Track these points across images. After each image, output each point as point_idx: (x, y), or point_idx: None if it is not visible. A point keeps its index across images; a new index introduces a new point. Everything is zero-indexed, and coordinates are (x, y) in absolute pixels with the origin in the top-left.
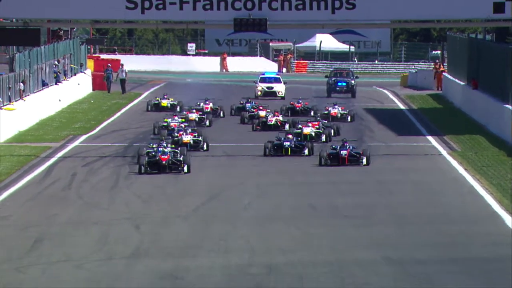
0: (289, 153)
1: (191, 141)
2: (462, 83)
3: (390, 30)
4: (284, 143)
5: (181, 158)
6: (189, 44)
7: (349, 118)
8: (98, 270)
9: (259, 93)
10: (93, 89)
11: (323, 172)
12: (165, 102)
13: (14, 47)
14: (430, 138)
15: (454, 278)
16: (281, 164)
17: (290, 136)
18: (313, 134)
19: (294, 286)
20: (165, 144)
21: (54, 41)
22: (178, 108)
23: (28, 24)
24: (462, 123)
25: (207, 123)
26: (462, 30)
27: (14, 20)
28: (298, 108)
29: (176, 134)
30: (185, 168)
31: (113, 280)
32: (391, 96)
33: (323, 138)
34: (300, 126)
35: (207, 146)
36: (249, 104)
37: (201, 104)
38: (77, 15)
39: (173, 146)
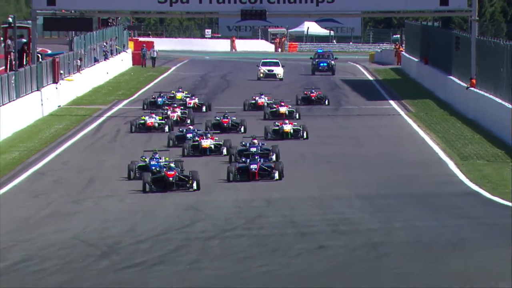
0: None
1: (212, 146)
2: (416, 59)
3: (361, 18)
4: (251, 166)
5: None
6: (206, 30)
7: (326, 102)
8: (136, 203)
9: (261, 75)
10: (133, 64)
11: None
12: (179, 95)
13: (73, 32)
14: (391, 102)
15: (410, 208)
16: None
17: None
18: (292, 131)
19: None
20: (158, 156)
21: (103, 27)
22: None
23: (83, 15)
24: (416, 90)
25: (188, 121)
26: (416, 19)
27: (73, 11)
28: (313, 97)
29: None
30: (194, 185)
31: (148, 211)
32: (362, 69)
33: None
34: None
35: (228, 150)
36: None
37: (186, 99)
38: (120, 7)
39: (167, 158)
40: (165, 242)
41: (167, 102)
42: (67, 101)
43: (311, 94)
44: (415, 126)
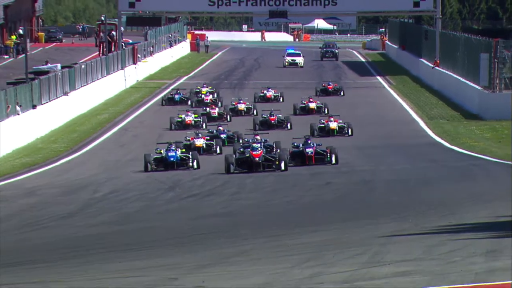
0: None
1: (204, 145)
2: (396, 46)
3: (356, 17)
4: (306, 150)
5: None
6: (243, 25)
7: (342, 93)
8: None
9: (286, 63)
10: (190, 51)
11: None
12: (204, 90)
13: (147, 27)
14: (378, 77)
15: (391, 155)
16: None
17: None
18: (338, 128)
19: None
20: (174, 148)
21: (169, 23)
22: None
23: (154, 14)
24: (395, 69)
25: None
26: (396, 17)
27: (147, 12)
28: (330, 89)
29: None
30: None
31: (201, 159)
32: (356, 54)
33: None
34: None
35: (221, 149)
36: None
37: (202, 96)
38: (181, 9)
39: (183, 150)
40: (213, 180)
41: (183, 98)
42: (143, 77)
43: (328, 86)
44: (395, 95)
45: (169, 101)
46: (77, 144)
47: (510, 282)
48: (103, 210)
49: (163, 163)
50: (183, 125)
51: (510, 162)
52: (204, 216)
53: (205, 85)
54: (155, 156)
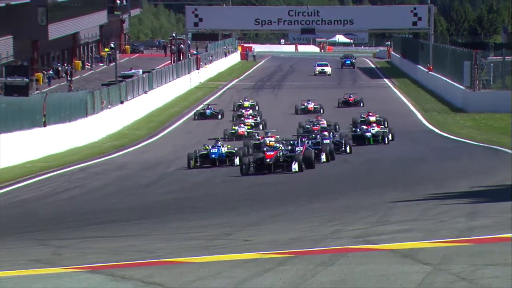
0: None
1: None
2: (398, 56)
3: (368, 33)
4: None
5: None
6: (281, 39)
7: (361, 104)
8: None
9: (317, 72)
10: (240, 59)
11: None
12: (246, 104)
13: (208, 41)
14: (385, 79)
15: (395, 138)
16: None
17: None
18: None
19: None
20: (220, 144)
21: (224, 38)
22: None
23: (213, 31)
24: (398, 73)
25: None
26: (399, 33)
27: (207, 29)
28: (351, 101)
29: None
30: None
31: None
32: (368, 61)
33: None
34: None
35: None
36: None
37: (242, 111)
38: (234, 27)
39: (229, 146)
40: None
41: (214, 112)
42: (204, 79)
43: (349, 98)
44: (398, 93)
45: (200, 115)
46: (154, 131)
47: (487, 236)
48: (174, 182)
49: (208, 160)
50: (235, 136)
51: (487, 145)
52: (253, 185)
53: (246, 99)
54: (201, 153)
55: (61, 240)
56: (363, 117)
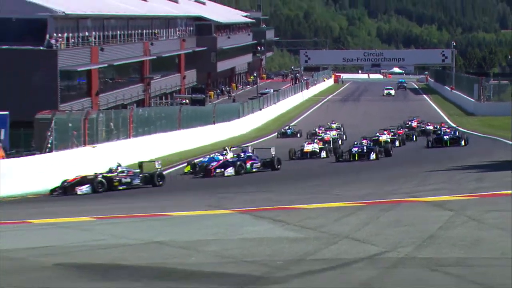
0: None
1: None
2: (432, 80)
3: (414, 66)
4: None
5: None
6: (359, 70)
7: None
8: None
9: (384, 94)
10: (334, 83)
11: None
12: (334, 125)
13: (313, 72)
14: (424, 95)
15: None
16: None
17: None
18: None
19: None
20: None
21: (323, 70)
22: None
23: (316, 65)
24: (432, 91)
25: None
26: (433, 66)
27: (313, 64)
28: (414, 128)
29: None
30: (323, 154)
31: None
32: (414, 84)
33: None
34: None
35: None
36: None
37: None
38: (329, 63)
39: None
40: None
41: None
42: (310, 95)
43: (414, 121)
44: (432, 103)
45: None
46: (280, 126)
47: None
48: (294, 163)
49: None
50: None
51: (489, 136)
52: (346, 166)
53: (333, 121)
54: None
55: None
56: (437, 126)
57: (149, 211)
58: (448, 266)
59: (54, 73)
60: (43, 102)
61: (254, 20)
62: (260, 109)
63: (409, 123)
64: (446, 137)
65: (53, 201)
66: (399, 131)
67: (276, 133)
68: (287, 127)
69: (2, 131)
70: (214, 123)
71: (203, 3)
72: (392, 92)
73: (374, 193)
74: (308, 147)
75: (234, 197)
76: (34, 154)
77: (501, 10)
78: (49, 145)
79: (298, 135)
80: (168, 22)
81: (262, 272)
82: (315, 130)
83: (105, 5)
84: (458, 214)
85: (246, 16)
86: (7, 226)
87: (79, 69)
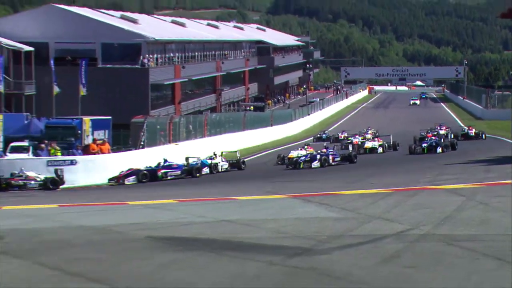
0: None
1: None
2: (448, 91)
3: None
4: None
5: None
6: (388, 83)
7: (451, 136)
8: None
9: (411, 103)
10: (368, 93)
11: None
12: (370, 131)
13: (351, 84)
14: (441, 103)
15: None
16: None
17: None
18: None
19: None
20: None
21: (360, 82)
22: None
23: (354, 79)
24: (448, 100)
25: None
26: (449, 80)
27: (351, 78)
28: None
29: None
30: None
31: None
32: (433, 95)
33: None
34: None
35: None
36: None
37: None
38: (364, 77)
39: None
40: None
41: (328, 136)
42: (349, 103)
43: (441, 128)
44: (448, 110)
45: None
46: (325, 127)
47: (495, 182)
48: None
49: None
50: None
51: (493, 136)
52: (404, 157)
53: (369, 128)
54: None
55: (280, 182)
56: (464, 129)
57: (219, 196)
58: (461, 241)
59: (146, 86)
60: (137, 109)
61: (304, 43)
62: (309, 114)
63: (438, 128)
64: (424, 145)
65: (141, 187)
66: (428, 135)
67: (312, 137)
68: (322, 133)
69: (107, 131)
70: (271, 126)
71: (263, 30)
72: (418, 102)
73: (401, 182)
74: (293, 153)
75: (288, 185)
76: (130, 150)
77: (503, 35)
78: (142, 143)
79: (331, 140)
80: (235, 45)
81: (310, 245)
82: (338, 134)
83: (186, 32)
84: (469, 199)
85: (297, 40)
86: (109, 207)
87: (165, 83)
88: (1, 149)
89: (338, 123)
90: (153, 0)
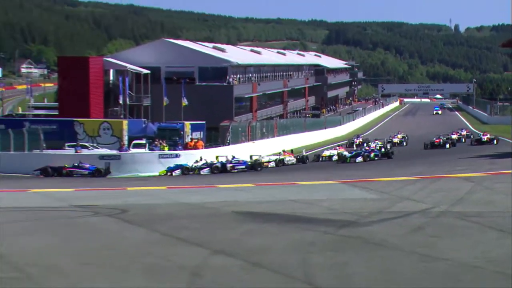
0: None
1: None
2: (461, 102)
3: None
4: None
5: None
6: (415, 96)
7: (463, 140)
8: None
9: (434, 113)
10: (399, 104)
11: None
12: (399, 135)
13: (386, 97)
14: (456, 112)
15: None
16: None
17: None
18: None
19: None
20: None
21: (393, 95)
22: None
23: (389, 93)
24: (461, 109)
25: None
26: (461, 94)
27: (386, 92)
28: (462, 137)
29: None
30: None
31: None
32: (450, 105)
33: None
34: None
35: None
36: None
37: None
38: (397, 91)
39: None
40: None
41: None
42: (384, 112)
43: (461, 133)
44: (461, 117)
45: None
46: (370, 127)
47: (498, 172)
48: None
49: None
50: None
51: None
52: (426, 151)
53: (400, 132)
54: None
55: (331, 172)
56: (479, 135)
57: (285, 182)
58: (471, 217)
59: (231, 98)
60: (224, 116)
61: (350, 66)
62: (354, 120)
63: (459, 132)
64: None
65: (216, 177)
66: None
67: (346, 141)
68: (355, 138)
69: (201, 132)
70: (325, 128)
71: (319, 56)
72: (440, 111)
73: (425, 171)
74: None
75: (339, 172)
76: (219, 146)
77: (504, 60)
78: (227, 141)
79: (364, 144)
80: (298, 67)
81: (354, 219)
82: (353, 139)
83: (261, 58)
84: (477, 185)
85: (345, 64)
86: (200, 189)
87: (245, 96)
88: (126, 146)
89: (377, 126)
90: (237, 34)
